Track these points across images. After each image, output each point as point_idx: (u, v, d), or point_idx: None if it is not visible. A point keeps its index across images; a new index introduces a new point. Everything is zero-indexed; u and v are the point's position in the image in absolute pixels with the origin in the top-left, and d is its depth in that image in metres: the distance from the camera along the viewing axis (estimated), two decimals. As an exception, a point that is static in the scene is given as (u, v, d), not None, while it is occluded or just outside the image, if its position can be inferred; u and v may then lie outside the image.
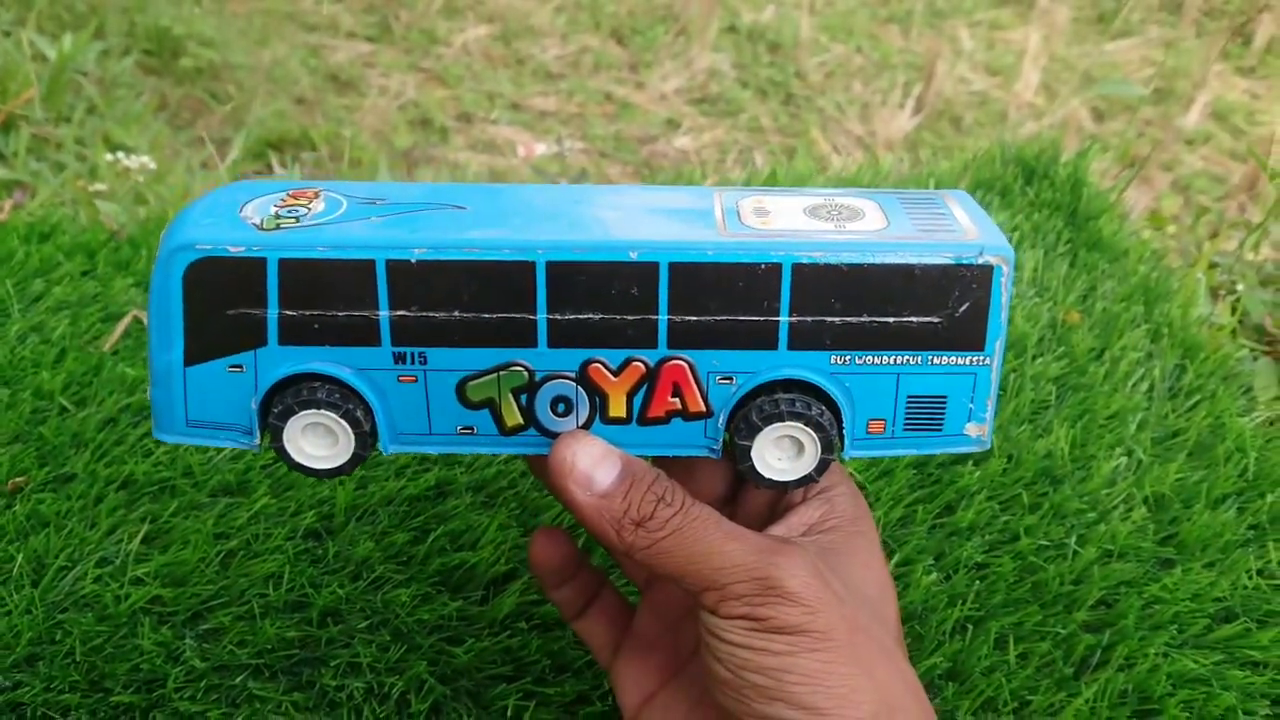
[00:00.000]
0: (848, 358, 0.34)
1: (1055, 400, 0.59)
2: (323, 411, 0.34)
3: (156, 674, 0.45)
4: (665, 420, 0.35)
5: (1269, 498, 0.55)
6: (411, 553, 0.51)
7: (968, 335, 0.33)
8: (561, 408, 0.35)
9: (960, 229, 0.34)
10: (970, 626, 0.50)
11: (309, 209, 0.35)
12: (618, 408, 0.35)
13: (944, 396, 0.34)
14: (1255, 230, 0.83)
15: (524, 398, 0.34)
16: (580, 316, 0.33)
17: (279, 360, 0.34)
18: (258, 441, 0.35)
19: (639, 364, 0.34)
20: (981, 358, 0.34)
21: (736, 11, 2.09)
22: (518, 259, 0.33)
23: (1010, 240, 0.33)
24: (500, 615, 0.49)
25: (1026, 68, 1.94)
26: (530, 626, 0.49)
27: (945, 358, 0.34)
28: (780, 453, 0.35)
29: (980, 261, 0.33)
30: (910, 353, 0.34)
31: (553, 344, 0.34)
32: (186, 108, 1.61)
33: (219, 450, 0.53)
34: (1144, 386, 0.60)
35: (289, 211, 0.34)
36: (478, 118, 1.78)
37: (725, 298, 0.33)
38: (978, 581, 0.52)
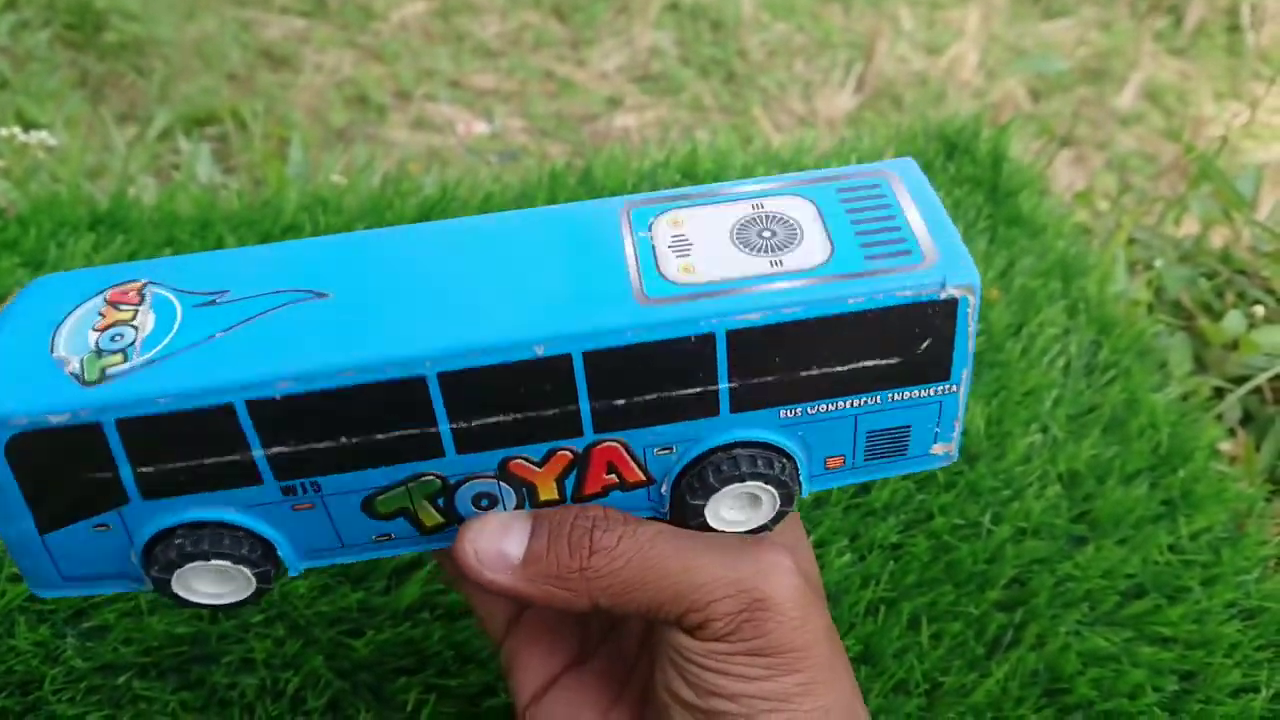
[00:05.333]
0: (798, 410, 0.30)
1: (973, 377, 0.58)
2: (210, 562, 0.30)
3: (33, 675, 0.43)
4: (603, 494, 0.32)
5: (1181, 472, 0.56)
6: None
7: (931, 369, 0.30)
8: (485, 502, 0.31)
9: (915, 247, 0.29)
10: (883, 608, 0.49)
11: (136, 331, 0.29)
12: (548, 492, 0.31)
13: (908, 426, 0.31)
14: (1175, 206, 0.83)
15: (441, 500, 0.31)
16: (489, 420, 0.29)
17: (148, 515, 0.29)
18: (149, 587, 0.31)
19: (565, 452, 0.30)
20: (947, 386, 0.31)
21: (679, -12, 2.07)
22: (404, 376, 0.28)
23: (970, 254, 0.31)
24: (403, 605, 0.47)
25: (966, 47, 1.94)
26: (434, 617, 0.47)
27: (907, 393, 0.30)
28: (735, 507, 0.32)
29: (943, 297, 0.28)
30: (868, 395, 0.30)
31: (462, 450, 0.30)
32: (109, 83, 1.56)
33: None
34: (1060, 363, 0.60)
35: (113, 341, 0.29)
36: (416, 95, 1.74)
37: (654, 375, 0.29)
38: (892, 562, 0.51)
